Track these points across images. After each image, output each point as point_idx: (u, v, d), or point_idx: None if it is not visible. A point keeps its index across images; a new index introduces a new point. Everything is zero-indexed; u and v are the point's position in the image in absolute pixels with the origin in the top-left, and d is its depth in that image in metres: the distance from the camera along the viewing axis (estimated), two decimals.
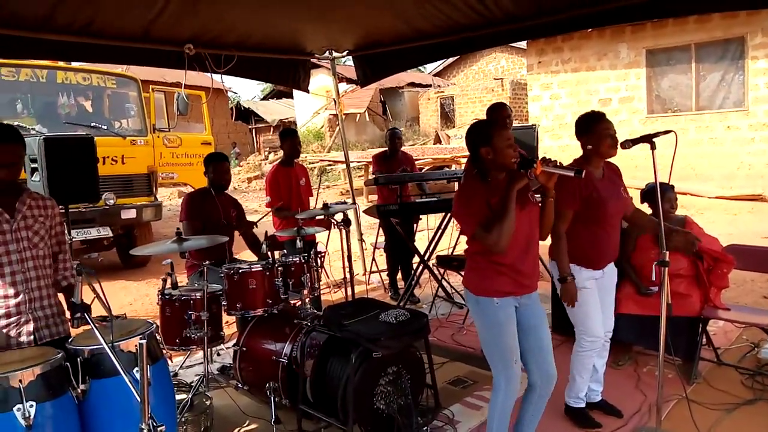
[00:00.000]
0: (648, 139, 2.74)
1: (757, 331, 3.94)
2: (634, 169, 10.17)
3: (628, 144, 2.76)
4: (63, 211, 3.86)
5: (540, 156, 3.18)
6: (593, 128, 2.91)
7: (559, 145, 12.63)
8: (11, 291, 2.37)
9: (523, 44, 15.89)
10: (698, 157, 11.38)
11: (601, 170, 3.01)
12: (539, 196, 2.61)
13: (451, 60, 26.03)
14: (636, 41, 12.01)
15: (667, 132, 2.74)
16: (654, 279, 2.79)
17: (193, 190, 4.82)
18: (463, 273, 2.75)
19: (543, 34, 5.26)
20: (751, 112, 10.96)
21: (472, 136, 2.56)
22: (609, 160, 3.03)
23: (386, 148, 5.96)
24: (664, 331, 2.82)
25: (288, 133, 5.10)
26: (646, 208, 3.60)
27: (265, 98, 33.40)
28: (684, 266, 3.63)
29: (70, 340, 2.35)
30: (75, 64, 7.71)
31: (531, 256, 2.57)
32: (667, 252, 2.75)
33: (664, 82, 12.04)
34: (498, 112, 4.38)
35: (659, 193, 2.86)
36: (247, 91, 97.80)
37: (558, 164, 2.44)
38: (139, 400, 1.80)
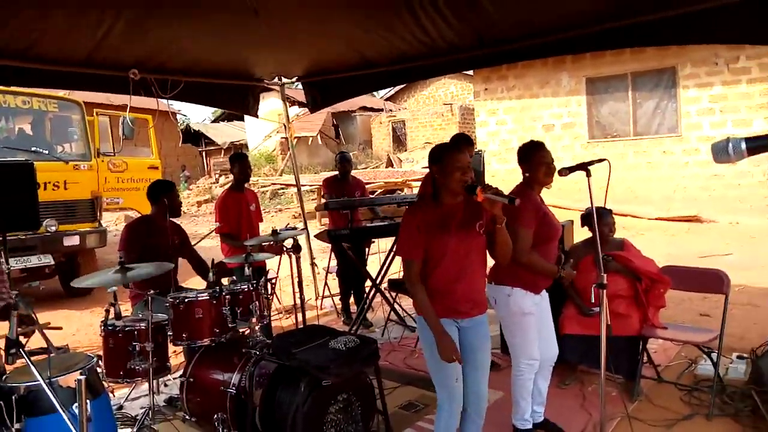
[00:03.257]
0: (583, 167, 2.86)
1: (694, 349, 4.10)
2: (578, 192, 10.52)
3: (565, 172, 2.87)
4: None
5: (487, 181, 3.23)
6: (531, 157, 3.04)
7: (506, 169, 12.97)
8: None
9: (470, 71, 16.30)
10: (637, 181, 11.89)
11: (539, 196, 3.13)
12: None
13: (402, 85, 26.46)
14: (576, 70, 12.54)
15: (601, 160, 2.86)
16: (594, 300, 2.89)
17: (133, 218, 4.70)
18: None
19: (485, 64, 5.43)
20: (684, 138, 11.56)
21: (430, 155, 2.64)
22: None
23: (337, 172, 6.00)
24: (604, 352, 2.90)
25: (237, 158, 5.10)
26: (585, 232, 3.74)
27: (215, 120, 33.00)
28: (623, 287, 3.78)
29: (4, 377, 2.26)
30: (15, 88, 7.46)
31: (464, 284, 2.58)
32: (605, 275, 2.86)
33: (603, 109, 12.58)
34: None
35: (597, 218, 2.98)
36: (197, 113, 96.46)
37: (497, 191, 2.47)
38: None
